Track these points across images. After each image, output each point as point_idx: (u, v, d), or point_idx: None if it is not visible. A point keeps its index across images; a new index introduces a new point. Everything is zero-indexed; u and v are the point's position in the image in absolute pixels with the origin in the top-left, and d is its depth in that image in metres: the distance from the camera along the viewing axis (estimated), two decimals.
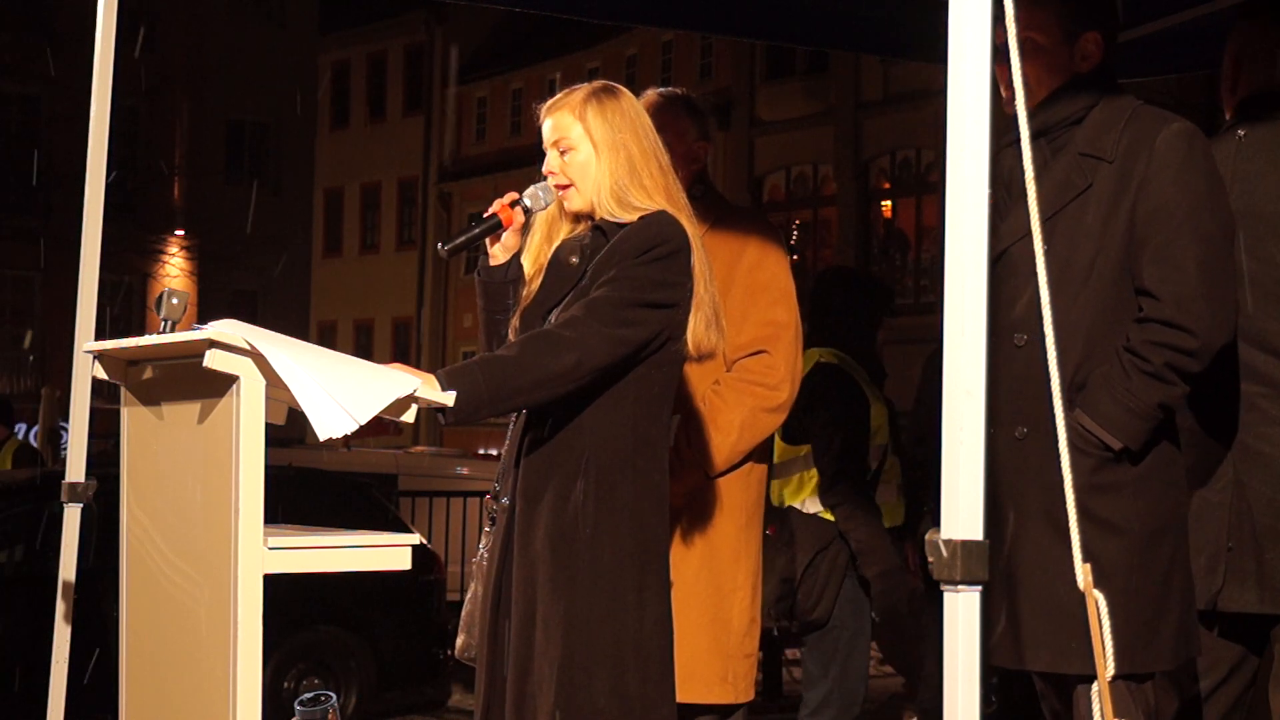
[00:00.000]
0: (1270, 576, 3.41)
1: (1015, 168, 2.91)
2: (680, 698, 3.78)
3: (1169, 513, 3.20)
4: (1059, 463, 2.87)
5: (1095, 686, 2.58)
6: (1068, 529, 2.43)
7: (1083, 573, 2.43)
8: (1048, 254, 3.16)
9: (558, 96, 3.24)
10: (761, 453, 4.02)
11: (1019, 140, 2.39)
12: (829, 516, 5.02)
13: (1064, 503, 2.38)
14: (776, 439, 5.04)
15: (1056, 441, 2.38)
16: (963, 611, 2.06)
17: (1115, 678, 2.97)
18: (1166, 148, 3.14)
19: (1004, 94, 3.17)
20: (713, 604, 3.88)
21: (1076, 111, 3.24)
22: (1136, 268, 3.14)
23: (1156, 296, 3.10)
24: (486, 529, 3.31)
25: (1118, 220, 3.15)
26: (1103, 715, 2.55)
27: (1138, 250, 3.14)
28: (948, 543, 2.06)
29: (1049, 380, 2.40)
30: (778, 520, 5.02)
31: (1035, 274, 2.43)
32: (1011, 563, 3.14)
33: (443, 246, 3.24)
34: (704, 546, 3.89)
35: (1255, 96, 3.60)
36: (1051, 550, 3.08)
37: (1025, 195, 2.39)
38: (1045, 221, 3.18)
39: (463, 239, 3.25)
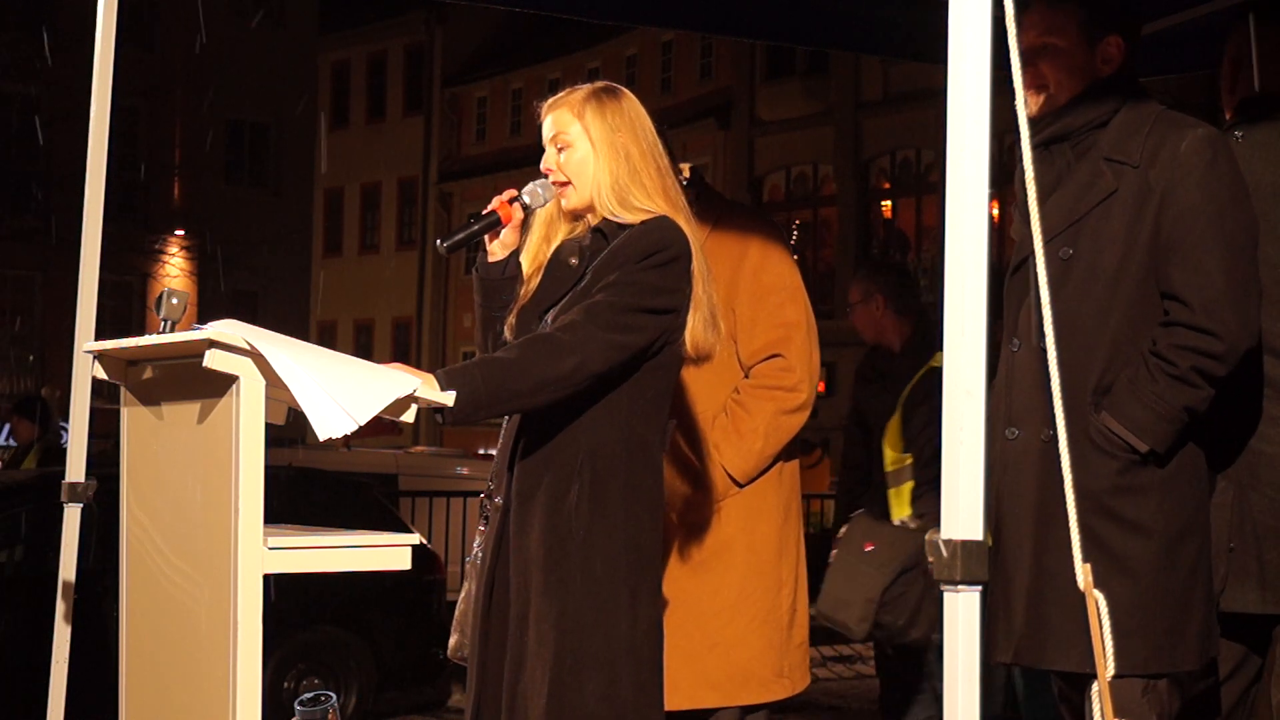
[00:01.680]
0: (1271, 576, 3.41)
1: (1037, 172, 2.92)
2: (742, 700, 3.90)
3: (1193, 513, 3.22)
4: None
5: (1095, 686, 2.58)
6: (1095, 530, 2.43)
7: (1082, 573, 2.43)
8: (1073, 258, 3.19)
9: (559, 95, 3.25)
10: (789, 451, 4.04)
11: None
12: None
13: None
14: (886, 448, 5.02)
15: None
16: (963, 611, 2.06)
17: (1126, 676, 2.97)
18: (1191, 153, 3.16)
19: (1029, 98, 3.19)
20: (764, 606, 3.94)
21: (1100, 115, 3.25)
22: (1162, 272, 3.16)
23: (1183, 301, 3.12)
24: (481, 527, 3.32)
25: (1143, 225, 3.16)
26: (1103, 715, 2.55)
27: (1163, 255, 3.15)
28: (948, 543, 2.06)
29: (1049, 381, 2.41)
30: (876, 536, 4.89)
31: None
32: (1038, 564, 3.15)
33: (441, 243, 3.24)
34: (747, 553, 3.93)
35: (1253, 98, 3.61)
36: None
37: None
38: (1070, 226, 3.19)
39: (461, 235, 3.25)
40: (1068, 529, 3.09)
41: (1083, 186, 3.21)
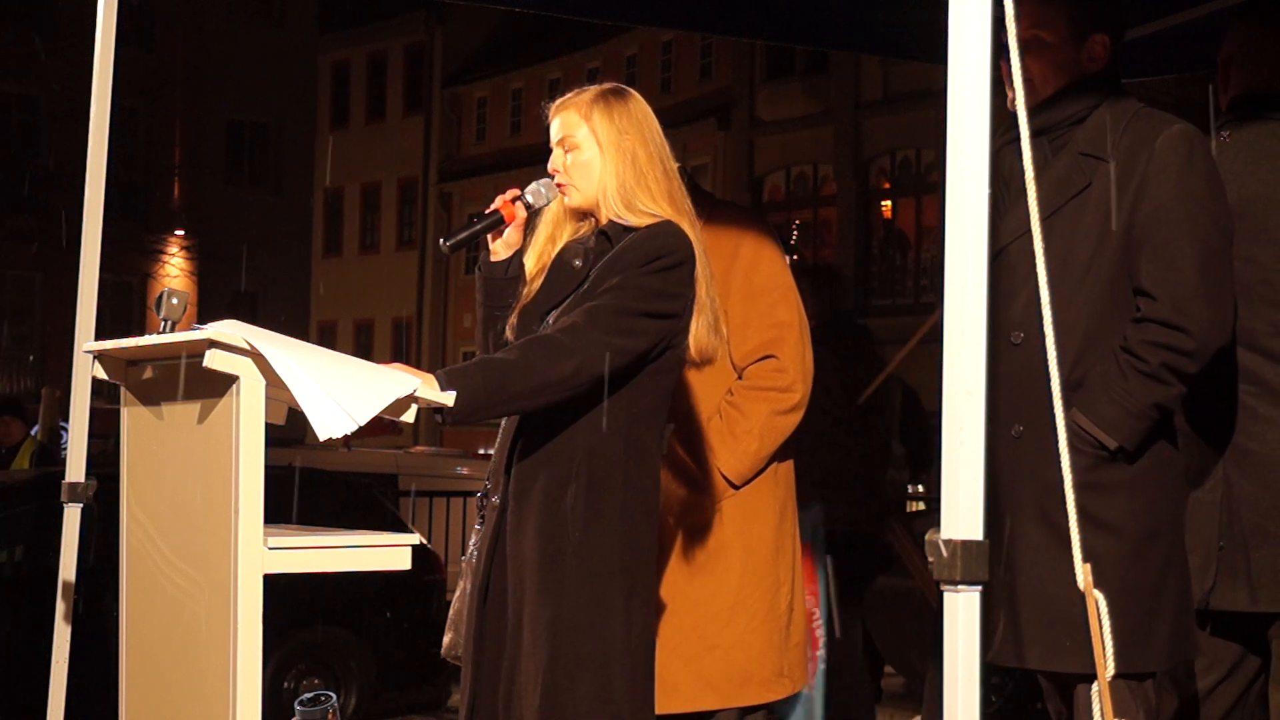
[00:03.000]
0: (1260, 575, 3.41)
1: (1015, 165, 2.91)
2: (743, 701, 3.91)
3: (1165, 514, 3.20)
4: (1055, 461, 2.87)
5: (1095, 686, 2.58)
6: (1063, 527, 2.43)
7: (1083, 572, 2.43)
8: (1046, 252, 3.17)
9: (567, 95, 3.26)
10: (784, 451, 4.04)
11: (1019, 138, 2.39)
12: None
13: (1059, 501, 2.38)
14: None
15: (1053, 440, 2.39)
16: (963, 611, 2.06)
17: (1114, 677, 2.97)
18: (1167, 149, 3.15)
19: (1009, 92, 3.17)
20: (763, 606, 3.94)
21: (1079, 111, 3.24)
22: (1135, 268, 3.15)
23: (1154, 297, 3.11)
24: (477, 526, 3.32)
25: (1117, 220, 3.15)
26: (1103, 715, 2.55)
27: (1136, 250, 3.14)
28: (948, 543, 2.06)
29: (1049, 379, 2.40)
30: None
31: (1034, 272, 2.43)
32: (1007, 560, 3.15)
33: (444, 241, 3.25)
34: (744, 554, 3.93)
35: (1241, 98, 3.61)
36: (1046, 547, 3.09)
37: (1025, 193, 2.39)
38: (1044, 220, 3.18)
39: (465, 234, 3.26)
40: (1035, 526, 3.10)
41: (1058, 181, 3.20)
